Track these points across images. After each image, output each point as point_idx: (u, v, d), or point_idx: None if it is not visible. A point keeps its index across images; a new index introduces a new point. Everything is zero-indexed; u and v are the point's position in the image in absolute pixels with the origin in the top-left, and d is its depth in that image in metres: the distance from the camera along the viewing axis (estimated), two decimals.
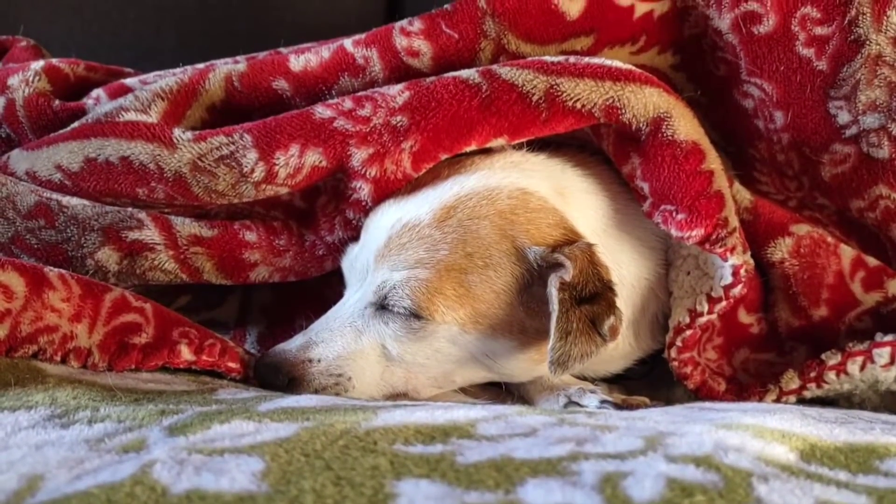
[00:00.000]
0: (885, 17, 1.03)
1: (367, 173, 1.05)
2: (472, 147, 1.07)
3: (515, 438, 0.69)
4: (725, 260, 1.00)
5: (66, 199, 1.10)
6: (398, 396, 1.03)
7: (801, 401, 1.07)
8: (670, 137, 1.02)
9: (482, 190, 1.01)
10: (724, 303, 1.02)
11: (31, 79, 1.26)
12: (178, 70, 1.24)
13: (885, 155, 1.06)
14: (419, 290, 0.96)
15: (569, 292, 0.93)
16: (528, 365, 1.02)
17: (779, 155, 1.13)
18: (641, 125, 1.04)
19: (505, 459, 0.63)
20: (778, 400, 1.05)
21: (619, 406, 0.99)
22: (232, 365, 1.02)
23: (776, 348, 1.12)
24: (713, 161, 1.03)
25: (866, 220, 1.11)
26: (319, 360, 1.00)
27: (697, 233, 0.99)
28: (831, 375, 1.03)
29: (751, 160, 1.16)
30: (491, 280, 0.97)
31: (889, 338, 1.03)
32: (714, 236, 0.99)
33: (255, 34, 1.44)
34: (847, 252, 1.10)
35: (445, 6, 1.13)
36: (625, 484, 0.59)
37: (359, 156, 1.05)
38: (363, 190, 1.06)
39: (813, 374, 1.04)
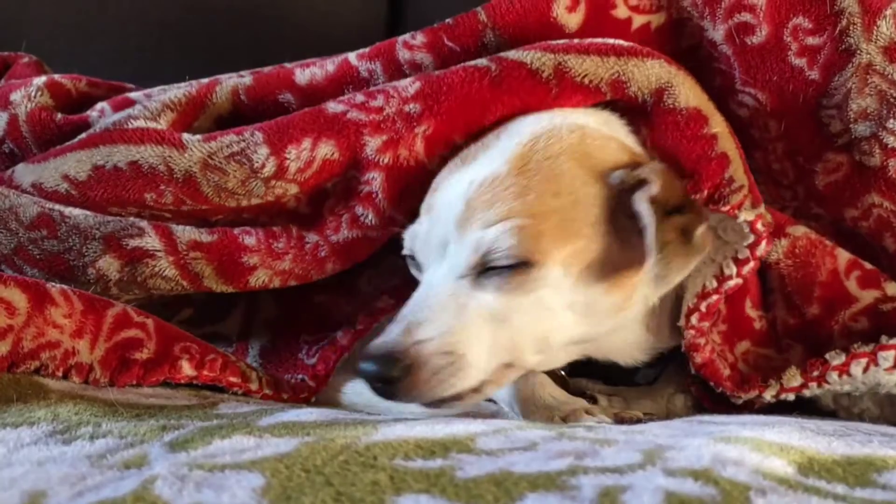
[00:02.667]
0: (875, 27, 1.04)
1: (381, 160, 1.06)
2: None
3: (515, 453, 0.69)
4: (735, 217, 1.00)
5: (69, 210, 1.11)
6: (506, 369, 0.98)
7: (802, 411, 1.07)
8: (671, 105, 1.04)
9: (542, 132, 1.01)
10: (751, 263, 1.02)
11: (33, 94, 1.27)
12: (183, 84, 1.25)
13: (877, 163, 1.07)
14: (522, 236, 0.94)
15: (657, 206, 0.94)
16: (614, 312, 1.01)
17: (774, 164, 1.14)
18: (646, 97, 1.05)
19: (504, 474, 0.63)
20: (777, 396, 1.05)
21: (616, 423, 0.99)
22: (233, 379, 1.03)
23: (774, 345, 1.12)
24: (716, 125, 1.04)
25: (860, 229, 1.12)
26: (431, 340, 0.92)
27: (701, 195, 1.01)
28: (834, 376, 1.03)
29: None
30: (584, 213, 0.97)
31: (895, 341, 1.03)
32: (717, 195, 1.00)
33: (256, 50, 1.44)
34: (844, 254, 1.10)
35: (447, 20, 1.14)
36: (623, 498, 0.59)
37: (373, 144, 1.07)
38: (375, 181, 1.07)
39: (816, 374, 1.03)
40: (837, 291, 1.09)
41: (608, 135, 1.04)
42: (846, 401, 1.08)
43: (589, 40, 1.08)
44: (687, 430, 0.80)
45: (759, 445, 0.70)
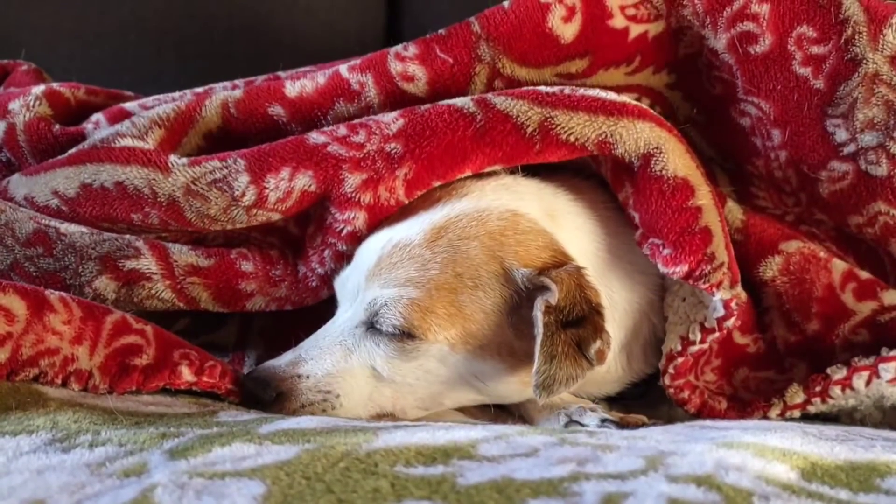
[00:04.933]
0: (881, 36, 1.03)
1: (362, 200, 1.06)
2: (467, 174, 1.08)
3: (517, 459, 0.69)
4: (712, 295, 1.00)
5: (65, 227, 1.10)
6: (385, 417, 1.03)
7: (804, 417, 1.06)
8: (658, 173, 1.03)
9: (472, 211, 1.02)
10: (717, 334, 1.03)
11: (31, 103, 1.27)
12: (176, 95, 1.25)
13: (884, 172, 1.06)
14: (410, 309, 0.97)
15: (554, 316, 0.94)
16: (517, 387, 1.02)
17: (776, 172, 1.14)
18: (633, 159, 1.05)
19: (506, 480, 0.63)
20: (782, 414, 1.05)
21: (619, 425, 0.99)
22: (231, 387, 1.02)
23: (775, 366, 1.12)
24: (702, 196, 1.03)
25: (865, 235, 1.11)
26: (308, 377, 1.00)
27: (681, 269, 1.00)
28: (836, 390, 1.03)
29: (748, 176, 1.17)
30: (480, 300, 0.98)
31: (895, 353, 1.03)
32: (698, 272, 1.00)
33: (254, 57, 1.45)
34: (838, 266, 1.10)
35: (440, 31, 1.13)
36: None
37: (352, 181, 1.06)
38: (358, 219, 1.07)
39: (818, 389, 1.04)
40: (834, 306, 1.09)
41: (539, 228, 1.02)
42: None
43: (581, 92, 1.07)
44: (689, 436, 0.79)
45: (761, 451, 0.70)
